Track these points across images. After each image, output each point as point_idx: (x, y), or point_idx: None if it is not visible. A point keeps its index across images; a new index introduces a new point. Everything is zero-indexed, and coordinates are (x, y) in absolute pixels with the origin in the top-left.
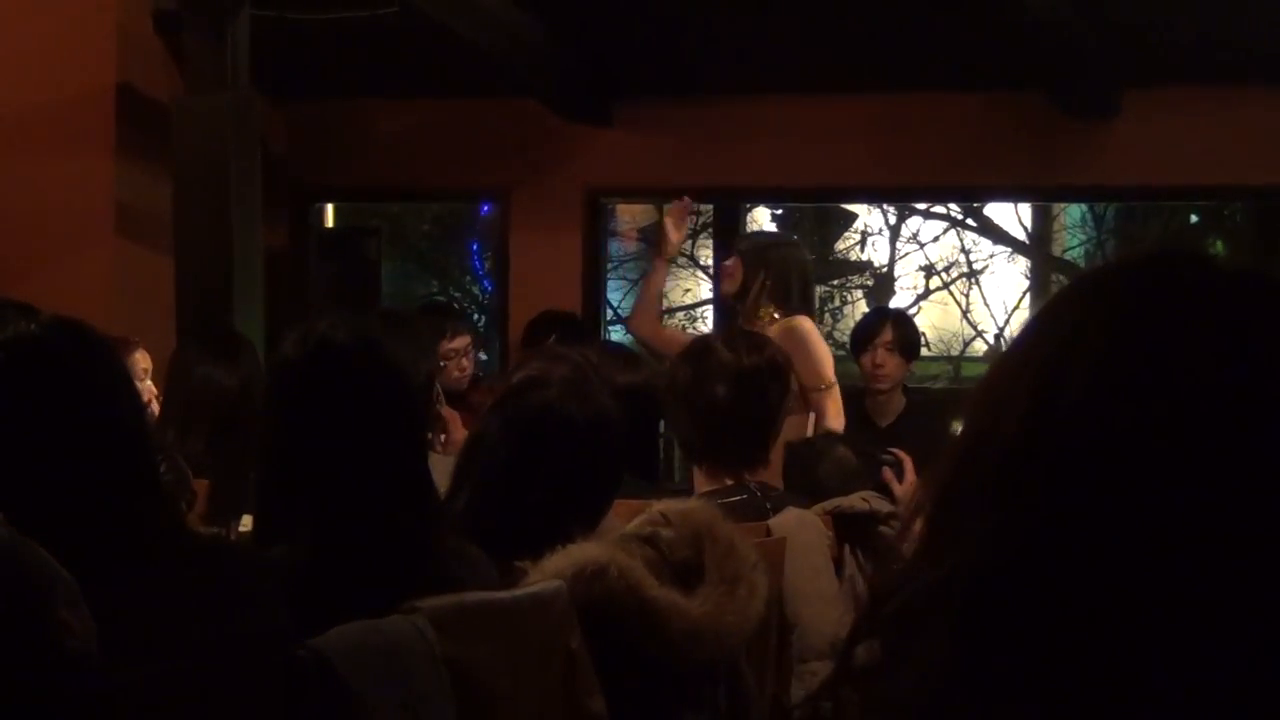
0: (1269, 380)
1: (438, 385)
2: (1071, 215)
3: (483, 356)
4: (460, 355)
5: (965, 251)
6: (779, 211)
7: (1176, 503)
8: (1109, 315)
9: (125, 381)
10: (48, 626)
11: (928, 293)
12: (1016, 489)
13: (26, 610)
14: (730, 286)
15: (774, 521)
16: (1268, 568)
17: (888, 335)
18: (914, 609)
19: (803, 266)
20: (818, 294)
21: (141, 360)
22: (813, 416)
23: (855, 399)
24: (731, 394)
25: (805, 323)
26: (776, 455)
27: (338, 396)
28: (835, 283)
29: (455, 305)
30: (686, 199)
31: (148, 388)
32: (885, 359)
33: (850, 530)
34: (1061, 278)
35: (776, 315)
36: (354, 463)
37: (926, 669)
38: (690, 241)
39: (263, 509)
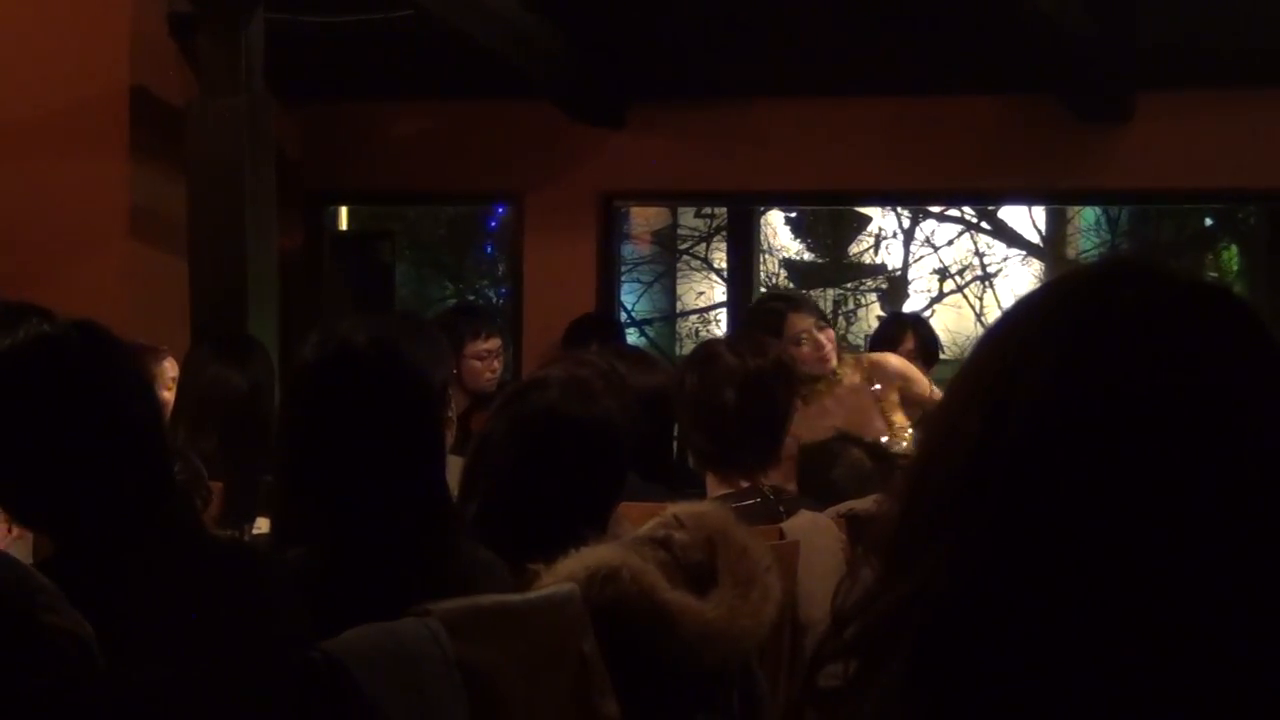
0: (1211, 400)
1: (450, 391)
2: (1085, 218)
3: None
4: (492, 357)
5: (979, 254)
6: (793, 214)
7: (1123, 527)
8: (1053, 339)
9: (141, 383)
10: (32, 633)
11: (941, 296)
12: (970, 513)
13: (7, 618)
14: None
15: (787, 524)
16: (1217, 588)
17: (909, 343)
18: (875, 633)
19: None
20: (832, 296)
21: (170, 369)
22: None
23: None
24: (739, 398)
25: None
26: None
27: (356, 400)
28: (849, 286)
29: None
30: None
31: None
32: None
33: (864, 533)
34: None
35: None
36: (370, 466)
37: (887, 694)
38: (704, 244)
39: (281, 511)
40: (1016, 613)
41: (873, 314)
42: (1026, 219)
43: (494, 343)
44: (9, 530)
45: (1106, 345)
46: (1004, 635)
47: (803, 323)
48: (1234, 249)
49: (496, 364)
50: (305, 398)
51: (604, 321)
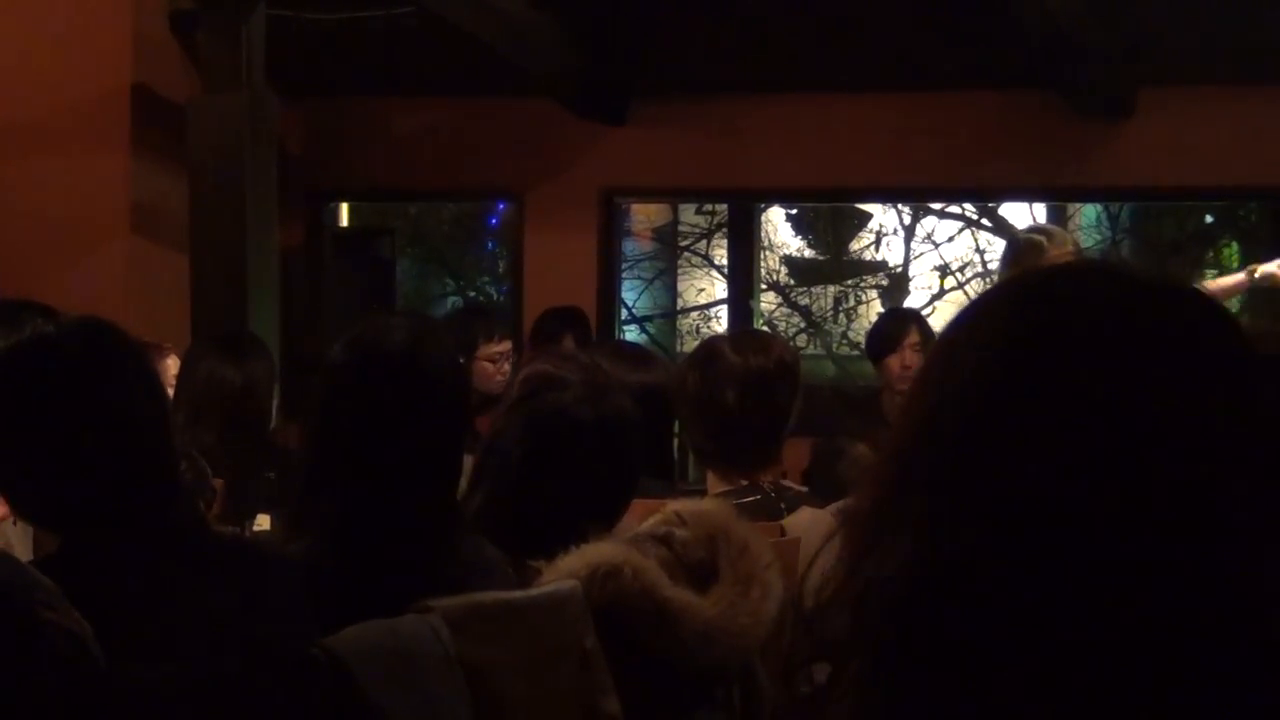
0: (1147, 395)
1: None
2: (1086, 215)
3: None
4: (503, 359)
5: (980, 251)
6: (793, 211)
7: (1065, 513)
8: (990, 338)
9: (146, 381)
10: (31, 631)
11: (942, 292)
12: (921, 508)
13: (7, 615)
14: None
15: (788, 521)
16: (1161, 574)
17: (914, 336)
18: (838, 633)
19: None
20: (832, 293)
21: (172, 366)
22: None
23: (873, 400)
24: (740, 398)
25: None
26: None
27: (389, 399)
28: (850, 282)
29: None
30: None
31: None
32: (914, 360)
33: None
34: None
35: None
36: (394, 465)
37: (856, 693)
38: (705, 241)
39: (297, 504)
40: (972, 604)
41: (873, 310)
42: (1027, 216)
43: (505, 345)
44: (12, 523)
45: (1041, 341)
46: (959, 627)
47: (1059, 254)
48: (1235, 246)
49: (506, 366)
50: (338, 396)
51: (575, 315)
